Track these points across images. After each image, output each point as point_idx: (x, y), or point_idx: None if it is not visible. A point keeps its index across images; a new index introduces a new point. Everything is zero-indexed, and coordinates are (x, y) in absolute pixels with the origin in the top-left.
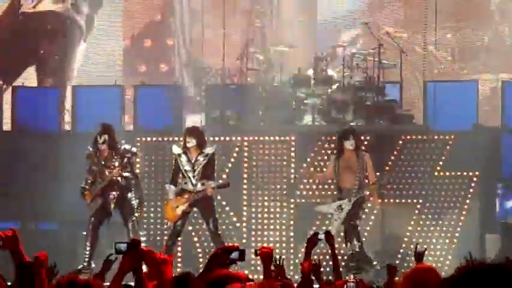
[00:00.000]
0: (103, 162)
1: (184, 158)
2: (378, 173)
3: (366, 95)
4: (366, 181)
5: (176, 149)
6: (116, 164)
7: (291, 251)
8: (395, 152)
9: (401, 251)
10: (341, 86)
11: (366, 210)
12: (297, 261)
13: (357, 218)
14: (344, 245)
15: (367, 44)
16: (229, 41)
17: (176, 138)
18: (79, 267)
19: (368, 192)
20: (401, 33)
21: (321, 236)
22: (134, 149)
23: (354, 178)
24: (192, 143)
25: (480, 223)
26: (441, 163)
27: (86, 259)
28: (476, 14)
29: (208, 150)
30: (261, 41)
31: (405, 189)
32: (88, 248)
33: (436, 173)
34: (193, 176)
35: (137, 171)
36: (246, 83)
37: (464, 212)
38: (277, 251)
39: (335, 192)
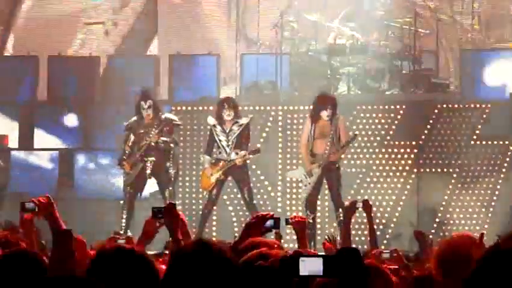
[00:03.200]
0: (142, 131)
1: (218, 129)
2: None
3: (402, 64)
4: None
5: (211, 120)
6: (156, 130)
7: (326, 220)
8: (431, 121)
9: (437, 220)
10: (376, 55)
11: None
12: (332, 230)
13: (338, 187)
14: (307, 212)
15: (402, 12)
16: (265, 10)
17: (211, 108)
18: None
19: (333, 158)
20: (428, 2)
21: (359, 204)
22: (176, 118)
23: (326, 143)
24: (227, 114)
25: None
26: (477, 132)
27: (123, 228)
28: None
29: (243, 120)
30: (296, 10)
31: (441, 158)
32: (124, 217)
33: (472, 142)
34: (227, 146)
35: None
36: (281, 52)
37: (500, 181)
38: (310, 221)
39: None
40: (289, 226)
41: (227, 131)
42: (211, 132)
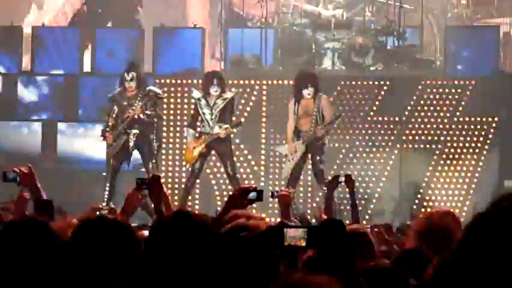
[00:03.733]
0: (125, 103)
1: (203, 102)
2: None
3: (387, 40)
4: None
5: (196, 93)
6: (140, 103)
7: (309, 194)
8: (414, 97)
9: (419, 196)
10: (361, 30)
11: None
12: (314, 204)
13: (320, 162)
14: (290, 187)
15: None
16: None
17: (195, 82)
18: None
19: (318, 134)
20: None
21: (341, 179)
22: (159, 91)
23: (310, 121)
24: (214, 90)
25: (499, 169)
26: (460, 108)
27: (105, 199)
28: None
29: (228, 94)
30: None
31: (424, 134)
32: (107, 189)
33: (455, 118)
34: (211, 119)
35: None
36: (266, 26)
37: (483, 158)
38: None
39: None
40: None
41: (211, 105)
42: (196, 105)
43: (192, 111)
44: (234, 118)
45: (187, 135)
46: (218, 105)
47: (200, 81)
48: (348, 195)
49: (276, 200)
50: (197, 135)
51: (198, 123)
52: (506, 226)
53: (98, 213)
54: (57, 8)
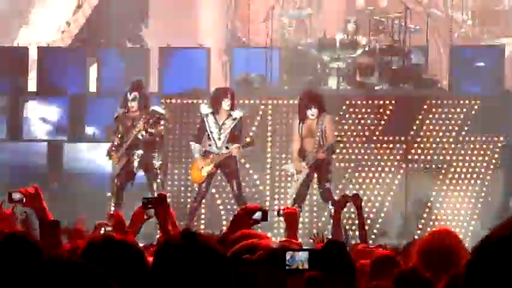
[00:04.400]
0: (129, 123)
1: (211, 119)
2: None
3: (392, 59)
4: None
5: (204, 109)
6: (143, 123)
7: (314, 214)
8: (420, 117)
9: (425, 215)
10: (366, 49)
11: (347, 176)
12: (319, 224)
13: (326, 181)
14: (295, 206)
15: (393, 7)
16: (255, 3)
17: (200, 102)
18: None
19: (319, 157)
20: None
21: (349, 199)
22: (162, 110)
23: (314, 141)
24: (227, 104)
25: (504, 188)
26: (466, 128)
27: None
28: None
29: (237, 113)
30: (286, 4)
31: (430, 154)
32: (112, 209)
33: (461, 138)
34: (219, 139)
35: (163, 133)
36: (271, 45)
37: (488, 177)
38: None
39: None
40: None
41: (220, 124)
42: (203, 121)
43: (197, 125)
44: (246, 137)
45: (193, 150)
46: (227, 125)
47: (205, 101)
48: (354, 215)
49: (282, 218)
50: (203, 152)
51: (204, 140)
52: None
53: (103, 230)
54: (54, 26)
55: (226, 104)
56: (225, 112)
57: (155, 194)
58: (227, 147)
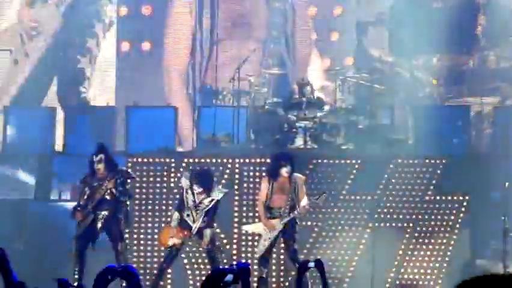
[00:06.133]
0: (95, 184)
1: (190, 195)
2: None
3: (358, 119)
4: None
5: (184, 182)
6: (109, 183)
7: (281, 273)
8: (386, 176)
9: (391, 275)
10: (332, 109)
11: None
12: (286, 283)
13: (294, 241)
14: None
15: (359, 67)
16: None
17: (167, 160)
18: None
19: (297, 213)
20: (387, 58)
21: (311, 264)
22: (129, 171)
23: (286, 199)
24: (196, 189)
25: (470, 247)
26: (432, 187)
27: (77, 281)
28: (462, 38)
29: (215, 195)
30: (254, 64)
31: (396, 212)
32: (76, 269)
33: (427, 197)
34: (196, 214)
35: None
36: (238, 105)
37: (454, 236)
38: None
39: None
40: None
41: (197, 202)
42: (183, 192)
43: (178, 196)
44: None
45: (172, 217)
46: (203, 206)
47: (186, 173)
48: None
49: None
50: (180, 221)
51: (183, 209)
52: None
53: None
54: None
55: (197, 190)
56: (199, 193)
57: (120, 257)
58: (199, 228)
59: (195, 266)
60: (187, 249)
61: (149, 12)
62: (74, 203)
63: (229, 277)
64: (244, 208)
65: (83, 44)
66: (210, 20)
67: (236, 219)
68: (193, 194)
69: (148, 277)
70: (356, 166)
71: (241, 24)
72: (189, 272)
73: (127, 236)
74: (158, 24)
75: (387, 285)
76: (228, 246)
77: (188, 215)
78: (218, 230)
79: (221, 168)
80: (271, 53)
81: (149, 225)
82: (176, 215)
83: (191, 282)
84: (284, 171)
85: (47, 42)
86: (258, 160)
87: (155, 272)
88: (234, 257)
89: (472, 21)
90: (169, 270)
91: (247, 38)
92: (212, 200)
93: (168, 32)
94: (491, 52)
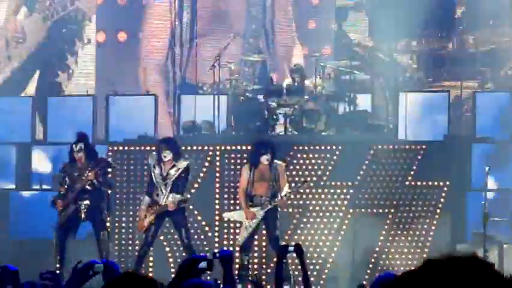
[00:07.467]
0: (76, 173)
1: (157, 170)
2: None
3: (338, 105)
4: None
5: (150, 160)
6: (90, 173)
7: (263, 260)
8: (366, 162)
9: (372, 260)
10: (312, 95)
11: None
12: (269, 270)
13: (276, 229)
14: (241, 254)
15: (338, 53)
16: (202, 51)
17: (148, 148)
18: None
19: (278, 200)
20: (367, 42)
21: (291, 249)
22: (109, 159)
23: (267, 186)
24: (166, 155)
25: (451, 233)
26: (412, 172)
27: (58, 271)
28: (442, 21)
29: (181, 164)
30: (233, 51)
31: (377, 198)
32: (58, 258)
33: (407, 183)
34: (165, 189)
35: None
36: (218, 92)
37: (434, 222)
38: (245, 262)
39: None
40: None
41: (164, 174)
42: (150, 172)
43: (148, 177)
44: (186, 187)
45: (143, 202)
46: (171, 175)
47: (153, 147)
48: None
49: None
50: (150, 202)
51: (153, 191)
52: None
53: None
54: None
55: (163, 156)
56: (169, 162)
57: (102, 246)
58: (172, 197)
59: (176, 253)
60: (169, 236)
61: (124, 2)
62: (55, 193)
63: (203, 264)
64: (226, 195)
65: (62, 59)
66: (190, 13)
67: (217, 207)
68: (160, 167)
69: (129, 265)
70: (337, 152)
71: (220, 17)
72: (170, 259)
73: (108, 224)
74: (135, 14)
75: (368, 271)
76: (209, 234)
77: (158, 195)
78: (200, 218)
79: (202, 155)
80: (251, 43)
81: (131, 213)
82: (146, 198)
83: (172, 270)
84: (265, 158)
85: (30, 51)
86: (239, 147)
87: (135, 259)
88: (216, 245)
89: (451, 4)
90: (151, 258)
91: (226, 32)
92: (178, 169)
93: (145, 23)
94: (470, 36)
